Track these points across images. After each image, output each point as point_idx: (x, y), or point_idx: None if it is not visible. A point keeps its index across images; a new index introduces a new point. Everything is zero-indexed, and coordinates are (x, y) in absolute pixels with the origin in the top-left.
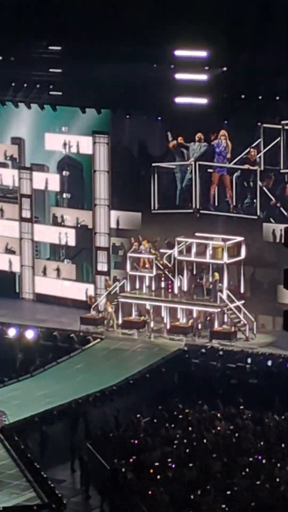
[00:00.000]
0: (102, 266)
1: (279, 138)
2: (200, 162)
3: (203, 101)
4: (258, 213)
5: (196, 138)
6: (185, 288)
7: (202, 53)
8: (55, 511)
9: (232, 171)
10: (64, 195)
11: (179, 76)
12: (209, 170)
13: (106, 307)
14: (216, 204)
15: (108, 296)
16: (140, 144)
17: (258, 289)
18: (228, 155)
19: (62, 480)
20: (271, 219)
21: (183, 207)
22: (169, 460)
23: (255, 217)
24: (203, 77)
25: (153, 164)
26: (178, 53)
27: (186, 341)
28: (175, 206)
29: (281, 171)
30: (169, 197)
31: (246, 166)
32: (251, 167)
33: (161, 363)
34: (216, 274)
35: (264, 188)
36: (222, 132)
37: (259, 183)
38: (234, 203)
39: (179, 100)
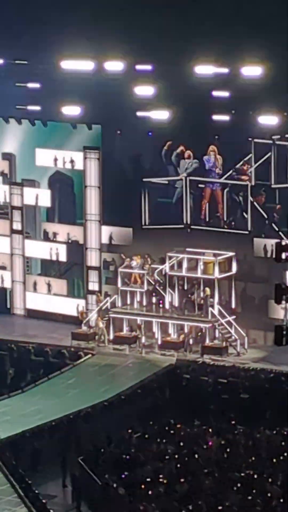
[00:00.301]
0: (93, 286)
1: (269, 153)
2: (191, 178)
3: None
4: (250, 228)
5: (186, 155)
6: (176, 303)
7: None
8: None
9: (223, 186)
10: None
11: None
12: (200, 185)
13: (97, 323)
14: (207, 219)
15: (99, 312)
16: (131, 159)
17: (249, 304)
18: (218, 170)
19: (54, 496)
20: (262, 234)
21: (174, 223)
22: (161, 475)
23: (246, 232)
24: None
25: (144, 180)
26: None
27: (177, 357)
28: (166, 221)
29: (272, 186)
30: (160, 213)
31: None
32: (242, 182)
33: (153, 378)
34: (207, 289)
35: (255, 204)
36: (212, 147)
37: (250, 198)
38: (225, 218)
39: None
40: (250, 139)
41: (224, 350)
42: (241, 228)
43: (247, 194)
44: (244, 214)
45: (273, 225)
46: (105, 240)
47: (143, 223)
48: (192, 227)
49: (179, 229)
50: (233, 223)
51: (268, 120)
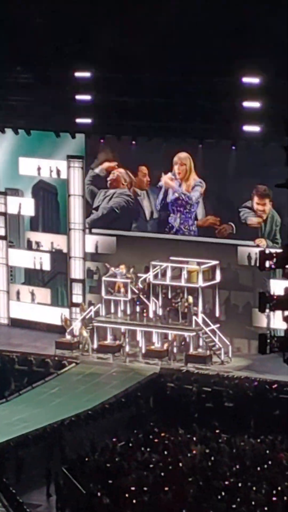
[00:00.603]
0: (76, 298)
1: None
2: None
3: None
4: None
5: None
6: (160, 312)
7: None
8: None
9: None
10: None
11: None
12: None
13: (81, 332)
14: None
15: (83, 321)
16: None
17: (233, 312)
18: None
19: (38, 505)
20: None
21: (157, 231)
22: (145, 484)
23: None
24: None
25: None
26: None
27: (161, 365)
28: (150, 230)
29: None
30: (144, 221)
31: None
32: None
33: (137, 387)
34: (190, 297)
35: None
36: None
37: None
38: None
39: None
40: (233, 147)
41: (208, 358)
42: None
43: None
44: None
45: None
46: (88, 249)
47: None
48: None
49: (163, 238)
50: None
51: None
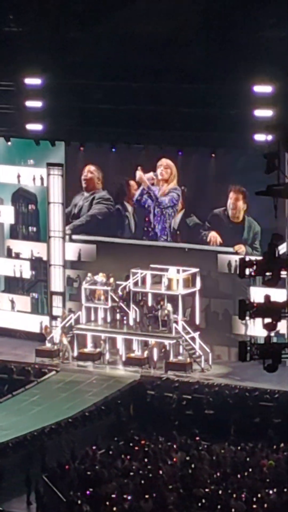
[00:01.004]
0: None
1: None
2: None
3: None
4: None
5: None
6: (140, 320)
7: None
8: None
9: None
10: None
11: None
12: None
13: (61, 339)
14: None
15: (63, 328)
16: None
17: (213, 320)
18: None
19: None
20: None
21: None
22: (125, 491)
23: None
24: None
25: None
26: None
27: (141, 373)
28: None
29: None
30: (128, 231)
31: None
32: None
33: (117, 395)
34: (169, 305)
35: None
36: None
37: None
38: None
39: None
40: (213, 155)
41: (188, 366)
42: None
43: None
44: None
45: None
46: (69, 256)
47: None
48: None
49: (144, 246)
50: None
51: None
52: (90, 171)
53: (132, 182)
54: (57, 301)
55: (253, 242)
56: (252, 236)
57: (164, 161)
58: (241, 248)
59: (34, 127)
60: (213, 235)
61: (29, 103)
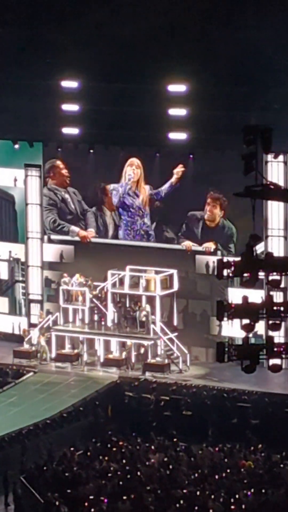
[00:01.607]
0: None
1: None
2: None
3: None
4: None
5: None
6: (118, 321)
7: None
8: None
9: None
10: None
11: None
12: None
13: (39, 340)
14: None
15: (41, 329)
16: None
17: (191, 321)
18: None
19: None
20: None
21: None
22: (103, 493)
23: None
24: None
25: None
26: None
27: (119, 374)
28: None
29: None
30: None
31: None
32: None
33: (95, 396)
34: (147, 306)
35: None
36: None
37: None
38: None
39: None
40: (191, 156)
41: (166, 367)
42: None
43: None
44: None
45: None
46: (47, 257)
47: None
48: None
49: (121, 246)
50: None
51: None
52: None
53: (109, 187)
54: (34, 308)
55: (228, 244)
56: (227, 238)
57: (133, 160)
58: (210, 246)
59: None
60: (188, 244)
61: None
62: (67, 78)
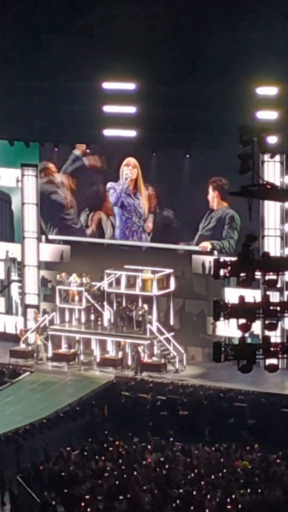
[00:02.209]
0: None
1: None
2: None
3: (131, 133)
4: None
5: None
6: (114, 321)
7: (130, 86)
8: None
9: None
10: None
11: (107, 108)
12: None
13: (35, 341)
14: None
15: (37, 329)
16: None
17: (188, 321)
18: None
19: None
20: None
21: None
22: (100, 492)
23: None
24: (131, 109)
25: None
26: (106, 85)
27: (116, 374)
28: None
29: None
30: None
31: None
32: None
33: (91, 395)
34: (145, 306)
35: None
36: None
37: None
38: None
39: (107, 132)
40: (188, 156)
41: (163, 367)
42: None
43: None
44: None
45: None
46: (43, 257)
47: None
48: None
49: (118, 246)
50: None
51: None
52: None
53: (107, 185)
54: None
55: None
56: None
57: (130, 160)
58: (206, 245)
59: None
60: (204, 245)
61: None
62: None
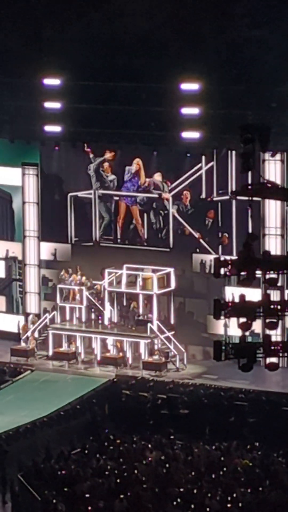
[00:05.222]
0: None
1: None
2: (103, 192)
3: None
4: (171, 245)
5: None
6: (115, 319)
7: None
8: None
9: (143, 202)
10: None
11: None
12: (115, 198)
13: (31, 342)
14: (120, 236)
15: (33, 332)
16: (68, 175)
17: (188, 319)
18: (140, 183)
19: None
20: (197, 249)
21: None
22: (100, 491)
23: (167, 249)
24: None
25: (70, 194)
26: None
27: (116, 372)
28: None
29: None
30: (89, 229)
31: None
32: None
33: (92, 394)
34: (145, 304)
35: (179, 217)
36: (136, 160)
37: (172, 212)
38: (145, 236)
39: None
40: (188, 155)
41: (164, 365)
42: (163, 245)
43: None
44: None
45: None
46: (44, 256)
47: (69, 241)
48: (101, 244)
49: (118, 245)
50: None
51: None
52: None
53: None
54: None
55: None
56: None
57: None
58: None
59: None
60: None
61: None
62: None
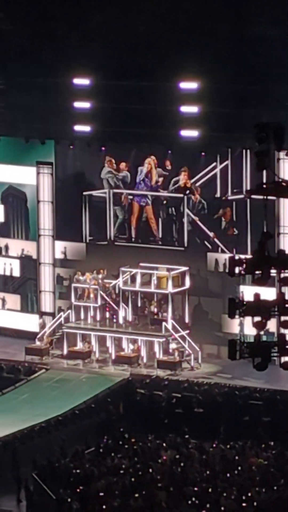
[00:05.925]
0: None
1: (214, 164)
2: (115, 190)
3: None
4: (186, 244)
5: (121, 167)
6: (129, 318)
7: None
8: None
9: (157, 201)
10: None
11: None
12: (129, 198)
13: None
14: (134, 234)
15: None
16: (83, 174)
17: (203, 318)
18: (153, 183)
19: (9, 511)
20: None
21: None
22: (115, 489)
23: (182, 248)
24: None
25: (84, 193)
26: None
27: (131, 371)
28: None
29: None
30: (104, 228)
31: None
32: (167, 194)
33: (107, 393)
34: (160, 303)
35: (195, 219)
36: (148, 160)
37: (187, 212)
38: (160, 235)
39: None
40: (203, 154)
41: (178, 364)
42: (178, 244)
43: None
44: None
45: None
46: (58, 255)
47: (84, 240)
48: (115, 243)
49: (132, 244)
50: (174, 238)
51: None
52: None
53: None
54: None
55: None
56: None
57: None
58: None
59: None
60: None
61: None
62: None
